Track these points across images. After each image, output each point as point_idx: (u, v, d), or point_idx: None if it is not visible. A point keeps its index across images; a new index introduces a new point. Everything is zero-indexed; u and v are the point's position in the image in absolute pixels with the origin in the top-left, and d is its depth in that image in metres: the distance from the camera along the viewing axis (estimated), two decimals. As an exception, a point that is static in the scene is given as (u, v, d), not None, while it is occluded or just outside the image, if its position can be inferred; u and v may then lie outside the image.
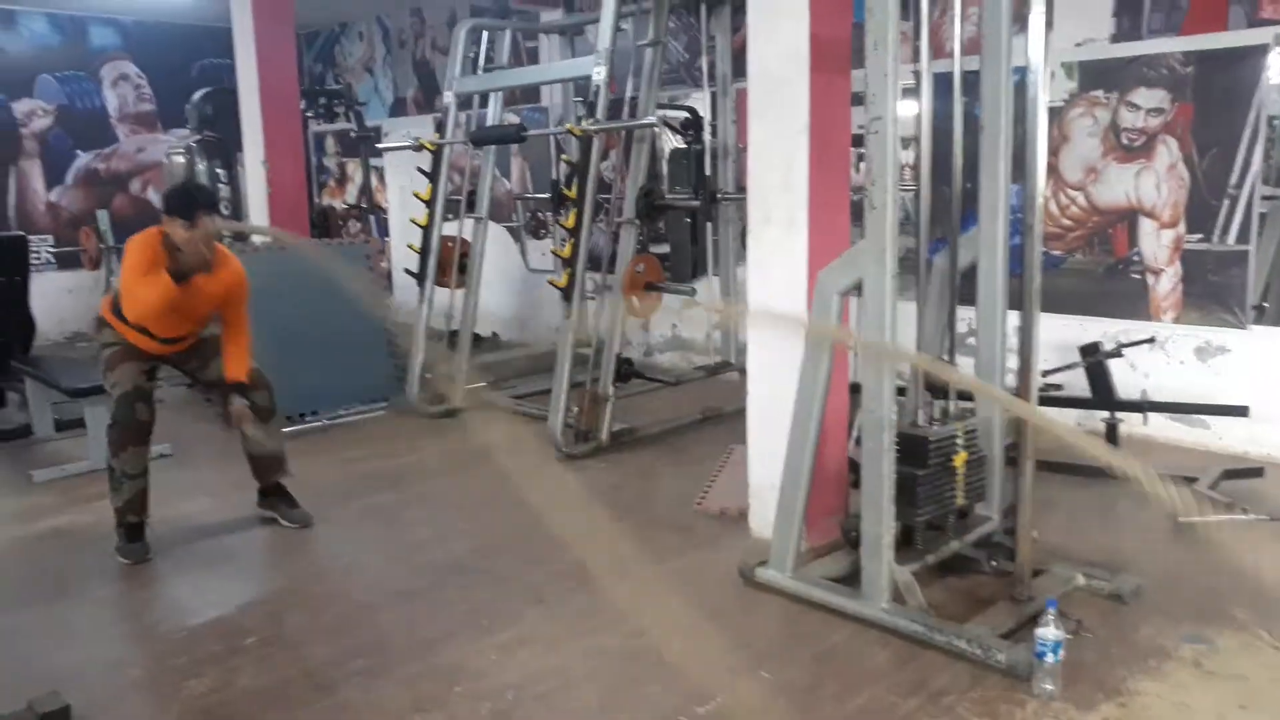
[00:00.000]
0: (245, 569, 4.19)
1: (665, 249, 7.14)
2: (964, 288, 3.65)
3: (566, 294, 5.40)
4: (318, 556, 4.23)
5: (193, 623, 3.60)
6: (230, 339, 4.27)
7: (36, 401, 6.14)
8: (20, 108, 9.63)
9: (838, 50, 3.80)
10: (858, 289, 3.31)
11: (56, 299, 9.56)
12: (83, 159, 9.99)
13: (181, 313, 4.10)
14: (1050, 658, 2.85)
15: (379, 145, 7.69)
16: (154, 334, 4.15)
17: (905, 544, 3.51)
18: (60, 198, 9.89)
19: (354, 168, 10.55)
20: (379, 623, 3.55)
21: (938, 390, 3.51)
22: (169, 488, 4.82)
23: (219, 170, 7.59)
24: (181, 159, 7.73)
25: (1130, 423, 5.00)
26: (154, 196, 10.32)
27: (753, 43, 3.86)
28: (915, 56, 3.29)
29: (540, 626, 3.48)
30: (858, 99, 3.44)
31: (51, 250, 9.80)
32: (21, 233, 8.16)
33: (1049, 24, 3.16)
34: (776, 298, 3.89)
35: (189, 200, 3.95)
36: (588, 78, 5.43)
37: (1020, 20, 3.28)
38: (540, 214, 8.75)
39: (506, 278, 9.03)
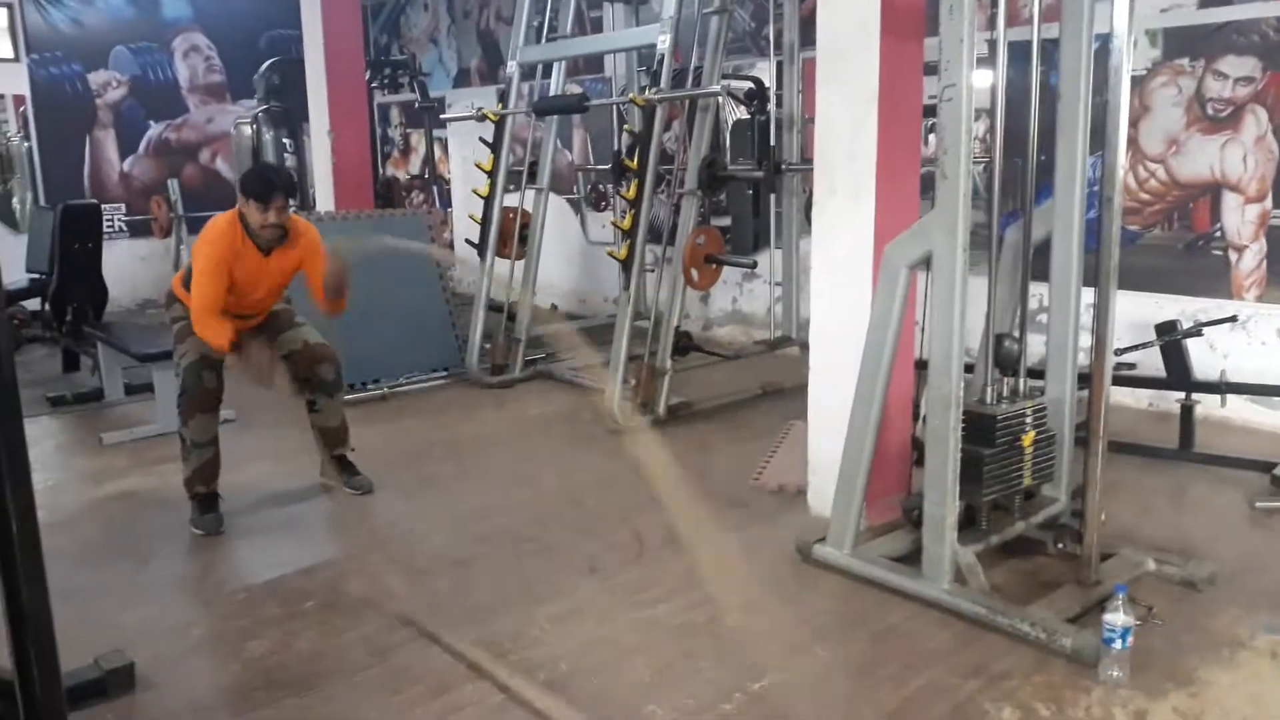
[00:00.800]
0: (306, 534, 4.24)
1: (726, 223, 7.05)
2: (1036, 263, 3.53)
3: (626, 266, 5.35)
4: (376, 524, 4.27)
5: (255, 585, 3.65)
6: (320, 296, 4.23)
7: (108, 366, 6.28)
8: (96, 79, 9.82)
9: (910, 16, 3.68)
10: (926, 262, 3.22)
11: (129, 267, 9.78)
12: (154, 129, 10.17)
13: (258, 284, 4.16)
14: (1119, 644, 2.76)
15: (442, 116, 7.68)
16: (227, 309, 4.18)
17: (968, 524, 3.42)
18: (132, 167, 10.08)
19: (418, 139, 10.59)
20: (435, 590, 3.57)
21: (1007, 368, 3.40)
22: (233, 453, 4.84)
23: (285, 140, 7.66)
24: (249, 129, 7.81)
25: (1207, 405, 4.82)
26: (222, 167, 10.49)
27: (822, 7, 3.75)
28: (991, 24, 3.17)
29: (594, 597, 3.47)
30: (930, 69, 3.33)
31: (124, 219, 10.01)
32: (95, 201, 8.33)
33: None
34: (841, 270, 3.80)
35: (266, 184, 4.00)
36: (652, 46, 5.36)
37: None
38: (601, 186, 8.70)
39: (566, 250, 9.01)
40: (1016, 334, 3.47)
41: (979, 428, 3.31)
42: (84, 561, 3.90)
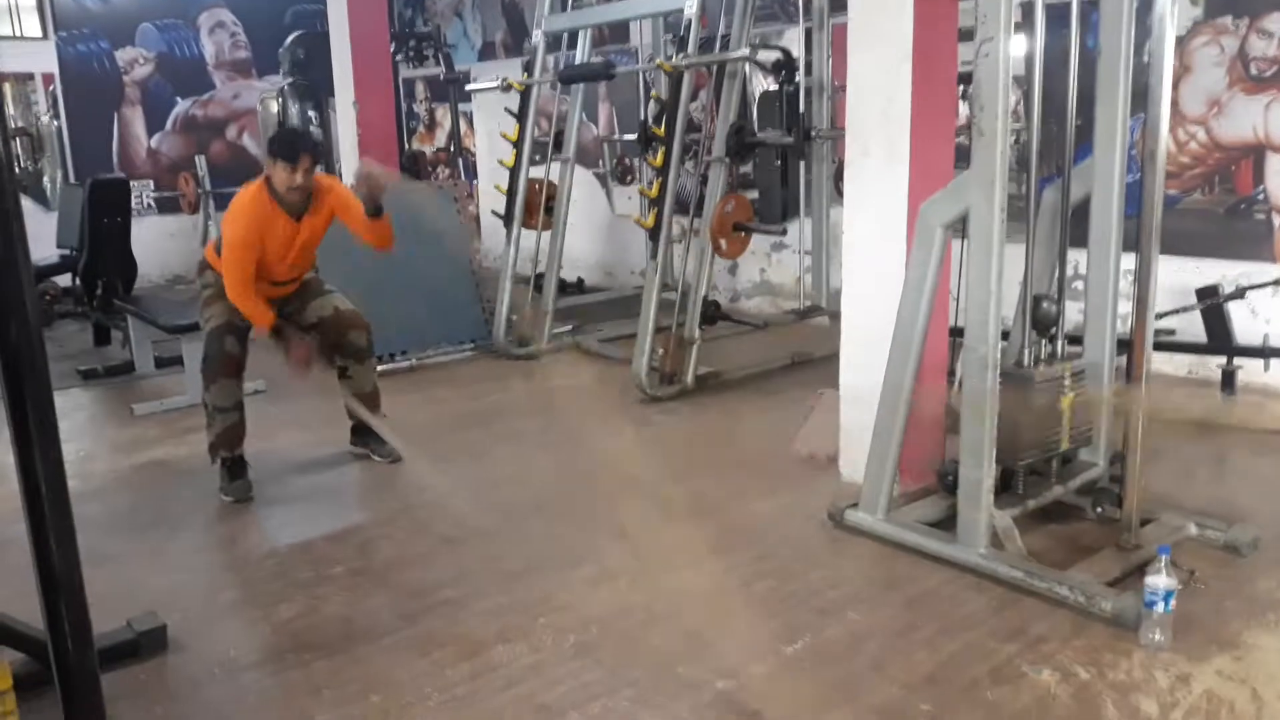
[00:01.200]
0: (335, 502, 4.24)
1: (754, 195, 6.97)
2: (1074, 230, 3.44)
3: (653, 234, 5.30)
4: (405, 491, 4.26)
5: (283, 551, 3.66)
6: (365, 229, 4.18)
7: (138, 339, 6.32)
8: (123, 56, 9.85)
9: (944, -29, 3.59)
10: (963, 222, 3.14)
11: (158, 242, 9.83)
12: (181, 106, 10.20)
13: (292, 247, 4.16)
14: (1161, 607, 2.70)
15: (468, 87, 7.63)
16: (265, 280, 4.18)
17: (1004, 488, 3.37)
18: (160, 144, 10.12)
19: (443, 113, 10.55)
20: (464, 556, 3.55)
21: (1045, 329, 3.33)
22: (262, 422, 4.89)
23: (310, 113, 7.65)
24: (275, 103, 7.81)
25: (1249, 371, 4.72)
26: (249, 143, 10.50)
27: (854, -37, 3.67)
28: None
29: (624, 562, 3.44)
30: (965, 35, 3.25)
31: (153, 195, 10.06)
32: (124, 175, 8.37)
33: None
34: (874, 233, 3.73)
35: (292, 145, 4.00)
36: (679, 12, 5.28)
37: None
38: (627, 159, 8.64)
39: (592, 223, 8.96)
40: (1055, 295, 3.39)
41: (1016, 390, 3.24)
42: (115, 529, 3.92)
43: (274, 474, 4.43)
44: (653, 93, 5.65)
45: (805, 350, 6.03)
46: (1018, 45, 3.03)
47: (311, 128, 7.62)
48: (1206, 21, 5.10)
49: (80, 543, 1.94)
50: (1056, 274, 3.47)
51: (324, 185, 4.19)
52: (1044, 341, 3.34)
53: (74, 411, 5.66)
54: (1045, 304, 3.31)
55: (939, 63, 3.63)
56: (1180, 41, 5.12)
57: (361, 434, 4.65)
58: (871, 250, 3.76)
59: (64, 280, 7.87)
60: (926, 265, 3.25)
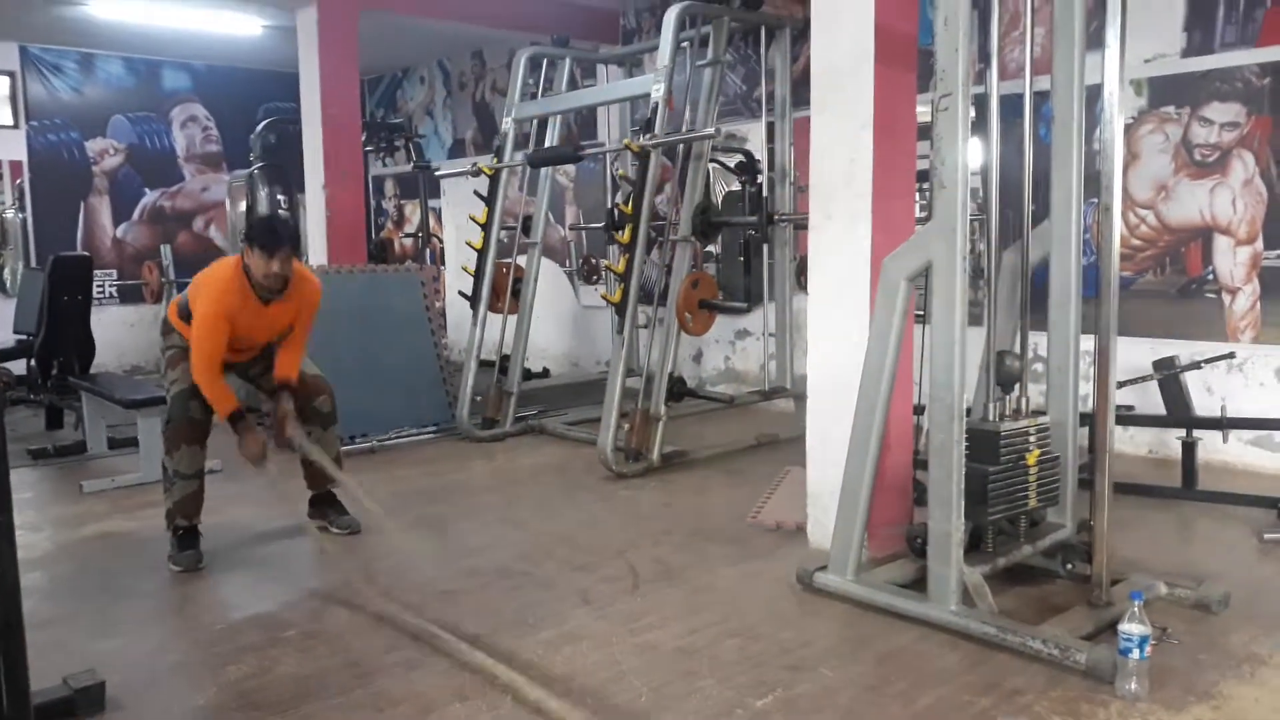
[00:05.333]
0: (290, 570, 4.10)
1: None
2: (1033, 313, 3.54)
3: (619, 310, 5.32)
4: (364, 560, 4.13)
5: (235, 617, 3.53)
6: (288, 342, 4.26)
7: (92, 420, 6.18)
8: (93, 146, 9.90)
9: (904, 45, 3.73)
10: (925, 274, 3.19)
11: (118, 331, 9.73)
12: (150, 197, 10.21)
13: (255, 330, 4.13)
14: (1136, 654, 2.65)
15: (438, 172, 7.74)
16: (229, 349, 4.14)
17: (974, 547, 3.34)
18: (126, 234, 10.10)
19: (412, 209, 10.67)
20: (423, 618, 3.43)
21: (1008, 385, 3.35)
22: (218, 498, 4.77)
23: (279, 197, 7.69)
24: (243, 186, 7.86)
25: (1208, 448, 4.76)
26: (216, 235, 10.52)
27: (817, 35, 3.81)
28: (981, 79, 3.23)
29: (589, 625, 3.34)
30: (923, 132, 3.40)
31: (115, 284, 9.99)
32: (86, 253, 8.32)
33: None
34: (838, 294, 3.78)
35: (273, 234, 3.98)
36: (647, 96, 5.42)
37: (1093, 38, 3.27)
38: (593, 259, 8.74)
39: (558, 314, 9.01)
40: (1018, 352, 3.43)
41: (983, 445, 3.25)
42: (61, 596, 3.77)
43: (228, 545, 4.30)
44: (620, 172, 5.75)
45: (770, 432, 6.03)
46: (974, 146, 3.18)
47: (281, 211, 7.64)
48: (1151, 111, 5.31)
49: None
50: (1018, 332, 3.51)
51: (299, 275, 4.14)
52: (1008, 397, 3.36)
53: (21, 489, 5.48)
54: (1009, 360, 3.34)
55: (899, 127, 3.74)
56: (1127, 129, 5.33)
57: (319, 505, 4.55)
58: (836, 311, 3.80)
59: (19, 367, 7.71)
60: (890, 317, 3.28)
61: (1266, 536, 3.96)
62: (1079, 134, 3.50)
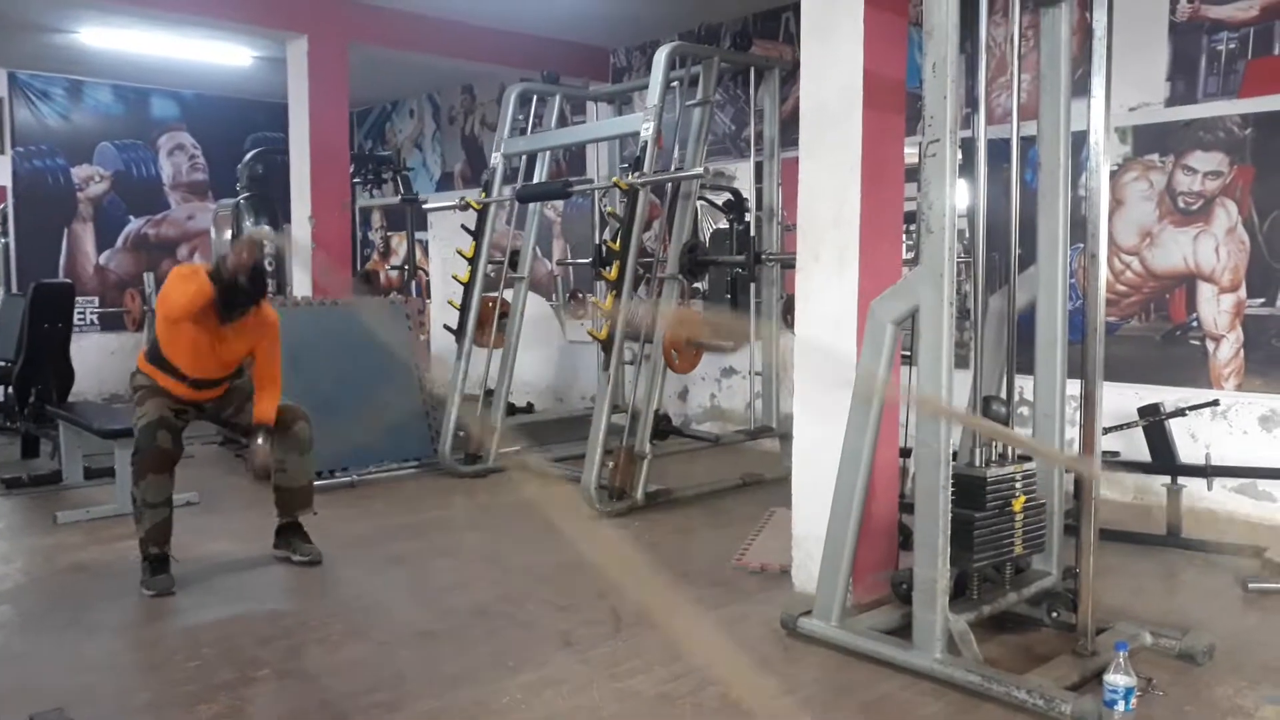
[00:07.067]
0: (265, 607, 4.02)
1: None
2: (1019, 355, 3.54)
3: (606, 346, 5.30)
4: (340, 597, 4.07)
5: (208, 654, 3.44)
6: (263, 380, 4.29)
7: (68, 449, 6.09)
8: (79, 173, 9.85)
9: (892, 89, 3.76)
10: (912, 317, 3.19)
11: (98, 359, 9.62)
12: (134, 224, 10.16)
13: (215, 352, 4.15)
14: (1121, 706, 2.63)
15: (425, 206, 7.73)
16: (186, 374, 4.15)
17: (959, 594, 3.31)
18: (109, 261, 10.03)
19: (399, 241, 10.66)
20: (399, 659, 3.38)
21: (994, 430, 3.34)
22: (194, 532, 4.73)
23: (265, 227, 7.66)
24: (228, 215, 7.83)
25: (1192, 495, 4.76)
26: (200, 262, 10.46)
27: (806, 78, 3.83)
28: (968, 123, 3.26)
29: (568, 668, 3.29)
30: (911, 174, 3.42)
31: (96, 311, 9.91)
32: (69, 280, 8.26)
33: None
34: (824, 333, 3.77)
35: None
36: (636, 134, 5.44)
37: (1078, 85, 3.33)
38: (580, 293, 8.74)
39: (545, 348, 8.97)
40: (1004, 397, 3.42)
41: (968, 490, 3.23)
42: (31, 629, 3.70)
43: (202, 579, 4.22)
44: (608, 209, 5.75)
45: (756, 472, 5.99)
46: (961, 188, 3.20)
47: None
48: (1136, 158, 5.36)
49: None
50: (1005, 376, 3.51)
51: (263, 312, 4.19)
52: (994, 442, 3.35)
53: (-8, 518, 5.39)
54: (995, 405, 3.33)
55: (887, 169, 3.76)
56: (1112, 176, 5.36)
57: (285, 534, 4.52)
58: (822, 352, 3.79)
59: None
60: (877, 359, 3.27)
61: (1251, 586, 3.94)
62: (1065, 180, 3.51)
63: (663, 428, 5.50)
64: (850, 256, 3.66)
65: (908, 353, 3.34)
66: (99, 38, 8.02)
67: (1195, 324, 5.20)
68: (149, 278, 9.48)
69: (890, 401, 3.47)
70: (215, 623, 3.78)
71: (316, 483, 4.84)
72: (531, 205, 6.78)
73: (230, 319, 4.05)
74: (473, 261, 6.48)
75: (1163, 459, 4.57)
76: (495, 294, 6.61)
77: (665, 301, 5.43)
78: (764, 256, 5.93)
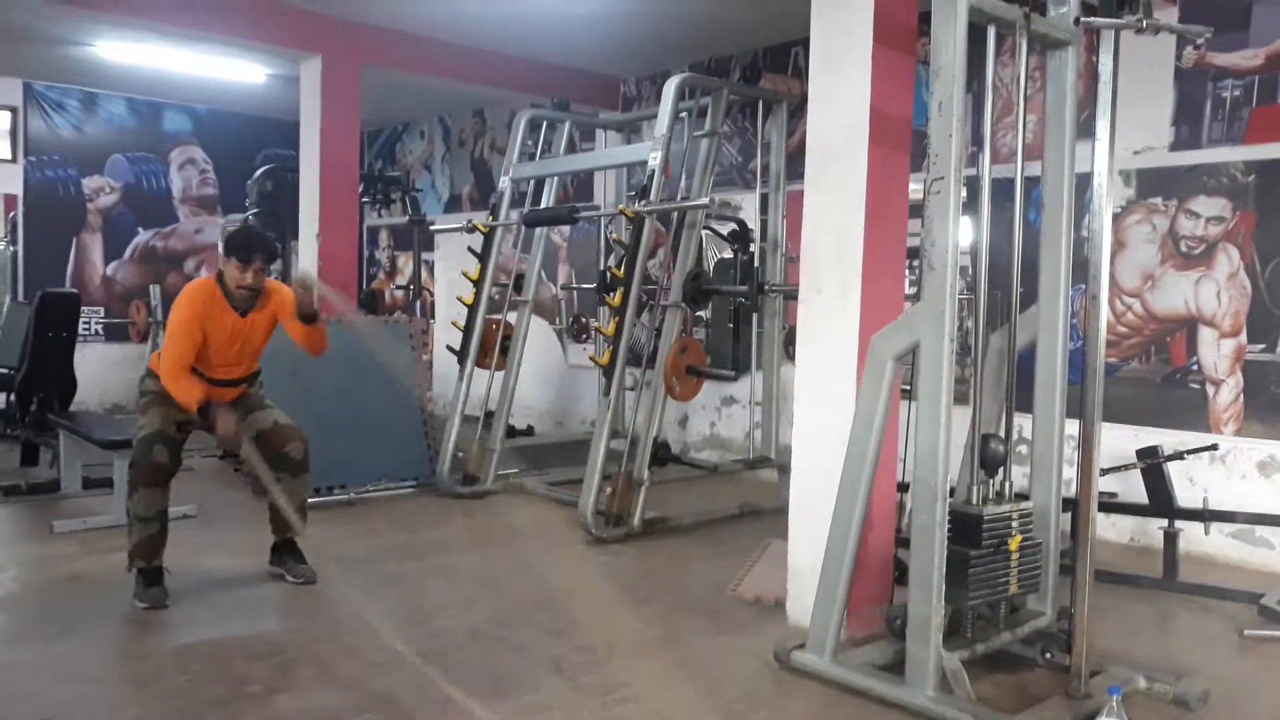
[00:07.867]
0: (258, 623, 4.02)
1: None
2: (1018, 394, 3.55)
3: (607, 372, 5.32)
4: (333, 616, 4.06)
5: (198, 669, 3.44)
6: (299, 333, 4.29)
7: (68, 458, 6.10)
8: (90, 184, 9.92)
9: (898, 126, 3.79)
10: (913, 353, 3.20)
11: (101, 370, 9.66)
12: (142, 236, 10.22)
13: (238, 342, 4.20)
14: (1114, 750, 2.61)
15: (433, 228, 7.78)
16: (204, 374, 4.15)
17: (953, 632, 3.30)
18: (116, 272, 10.09)
19: (405, 260, 10.70)
20: (391, 680, 3.37)
21: (992, 468, 3.34)
22: (191, 545, 4.73)
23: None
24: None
25: (1189, 540, 4.75)
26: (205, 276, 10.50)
27: (813, 113, 3.86)
28: (973, 162, 3.29)
29: (559, 695, 3.28)
30: (915, 210, 3.45)
31: (101, 321, 9.94)
32: (75, 290, 8.29)
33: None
34: (825, 368, 3.78)
35: (248, 245, 4.12)
36: (644, 162, 5.48)
37: (1083, 127, 3.36)
38: (583, 318, 8.76)
39: (546, 372, 8.99)
40: (1002, 436, 3.43)
41: (965, 528, 3.23)
42: (23, 639, 3.70)
43: (196, 593, 4.22)
44: (614, 235, 5.78)
45: (753, 501, 5.99)
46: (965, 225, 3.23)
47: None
48: (1139, 201, 5.40)
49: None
50: (1004, 414, 3.51)
51: (271, 287, 4.27)
52: (992, 480, 3.35)
53: (-11, 526, 5.40)
54: (993, 444, 3.33)
55: (891, 205, 3.79)
56: (1115, 218, 5.40)
57: (280, 553, 4.52)
58: (822, 384, 3.80)
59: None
60: (877, 396, 3.28)
61: (1247, 633, 3.93)
62: (1068, 220, 3.54)
63: (662, 455, 5.50)
64: (852, 290, 3.68)
65: (908, 387, 3.36)
66: (116, 51, 8.10)
67: (1195, 367, 5.21)
68: (155, 290, 9.51)
69: (889, 435, 3.47)
70: (207, 638, 3.77)
71: (313, 500, 4.85)
72: (538, 230, 6.83)
73: (248, 312, 4.17)
74: (478, 284, 6.52)
75: (1160, 502, 4.57)
76: (499, 316, 6.65)
77: (668, 329, 5.44)
78: (767, 287, 5.95)
